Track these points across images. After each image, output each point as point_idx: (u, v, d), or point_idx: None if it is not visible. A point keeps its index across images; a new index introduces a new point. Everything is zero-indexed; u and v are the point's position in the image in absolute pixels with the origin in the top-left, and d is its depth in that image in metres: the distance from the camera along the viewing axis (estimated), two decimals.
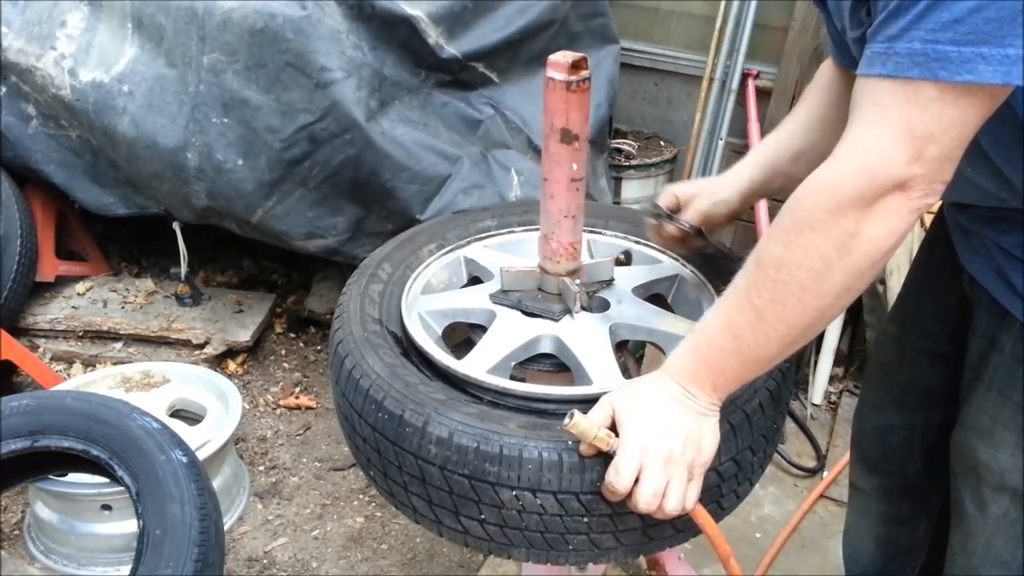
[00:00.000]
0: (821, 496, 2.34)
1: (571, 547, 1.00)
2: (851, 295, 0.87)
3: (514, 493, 0.96)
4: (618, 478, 0.91)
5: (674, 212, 1.32)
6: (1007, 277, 1.01)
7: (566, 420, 0.91)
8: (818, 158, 1.27)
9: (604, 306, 1.26)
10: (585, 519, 0.97)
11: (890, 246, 0.83)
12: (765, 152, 1.30)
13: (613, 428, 0.95)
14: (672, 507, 0.92)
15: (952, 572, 1.16)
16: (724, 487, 1.03)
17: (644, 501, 0.91)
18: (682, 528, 1.03)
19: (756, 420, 1.05)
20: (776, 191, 1.32)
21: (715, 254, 1.37)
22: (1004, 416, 1.04)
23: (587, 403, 1.05)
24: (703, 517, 0.96)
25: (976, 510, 1.10)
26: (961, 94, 0.75)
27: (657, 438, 0.92)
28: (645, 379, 0.98)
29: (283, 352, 2.87)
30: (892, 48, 0.77)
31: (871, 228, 0.81)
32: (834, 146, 1.27)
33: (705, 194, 1.31)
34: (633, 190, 3.02)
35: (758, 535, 2.22)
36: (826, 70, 1.27)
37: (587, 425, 0.92)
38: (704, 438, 0.94)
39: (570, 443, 0.96)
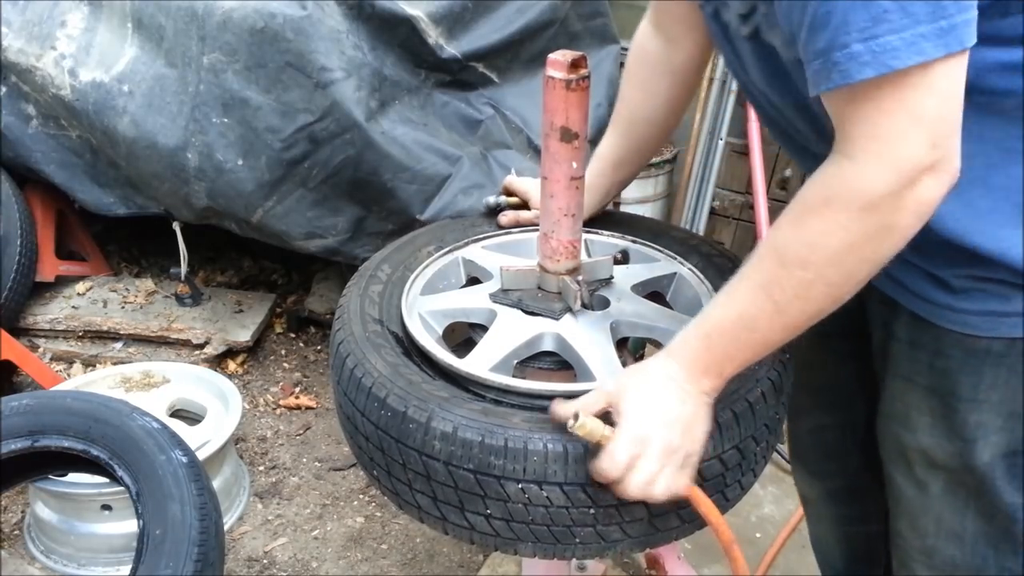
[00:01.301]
0: None
1: (578, 540, 1.00)
2: (870, 278, 0.89)
3: (520, 486, 0.96)
4: (613, 464, 0.92)
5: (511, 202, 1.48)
6: (885, 268, 1.03)
7: (570, 422, 0.91)
8: (635, 152, 1.37)
9: (604, 304, 1.26)
10: (591, 510, 0.98)
11: (915, 230, 0.85)
12: (593, 175, 1.38)
13: (608, 416, 0.95)
14: (660, 492, 0.93)
15: (909, 558, 1.16)
16: (728, 476, 1.04)
17: (637, 487, 0.92)
18: (688, 519, 1.03)
19: (759, 409, 1.05)
20: (613, 198, 1.46)
21: None
22: (914, 400, 1.07)
23: None
24: (704, 504, 0.96)
25: (917, 492, 1.11)
26: (936, 67, 0.77)
27: (659, 427, 0.93)
28: (649, 365, 0.98)
29: (283, 352, 2.87)
30: (831, 58, 0.78)
31: (905, 218, 0.83)
32: (653, 135, 1.36)
33: (533, 207, 1.42)
34: (632, 190, 3.02)
35: (758, 535, 2.22)
36: (642, 40, 1.30)
37: (593, 425, 0.92)
38: (699, 426, 0.95)
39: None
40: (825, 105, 0.85)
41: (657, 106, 1.31)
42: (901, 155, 0.80)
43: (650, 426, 0.92)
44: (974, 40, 0.77)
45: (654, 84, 1.28)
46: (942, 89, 0.78)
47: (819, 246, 0.86)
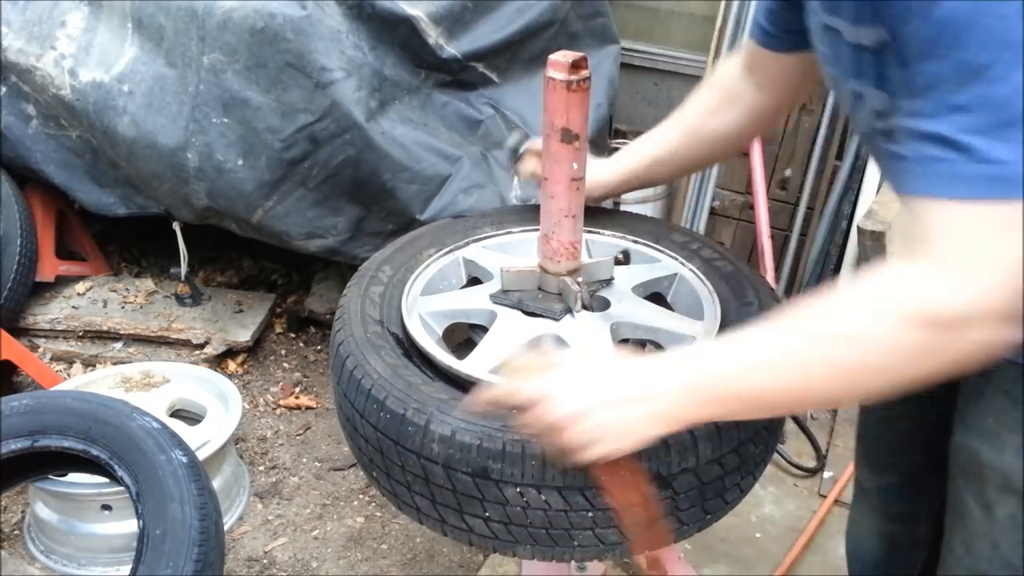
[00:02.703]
0: (836, 501, 2.32)
1: (576, 543, 1.00)
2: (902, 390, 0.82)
3: (518, 490, 0.96)
4: (560, 395, 0.85)
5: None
6: None
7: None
8: (679, 160, 1.39)
9: (604, 305, 1.26)
10: (590, 514, 0.97)
11: (973, 364, 0.77)
12: (626, 159, 1.40)
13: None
14: (602, 448, 0.85)
15: (954, 574, 1.14)
16: (727, 480, 1.04)
17: (578, 431, 0.84)
18: (687, 521, 1.03)
19: None
20: (632, 189, 1.48)
21: None
22: (1011, 419, 1.02)
23: None
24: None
25: (982, 512, 1.07)
26: None
27: (602, 380, 0.86)
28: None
29: (283, 352, 2.87)
30: (932, 152, 0.71)
31: (955, 354, 0.75)
32: (703, 157, 1.40)
33: None
34: None
35: (758, 535, 2.22)
36: (733, 76, 1.30)
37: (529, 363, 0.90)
38: (629, 424, 0.85)
39: None
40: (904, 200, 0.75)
41: (727, 135, 1.32)
42: (976, 298, 0.71)
43: (592, 375, 0.87)
44: None
45: (732, 115, 1.30)
46: None
47: (854, 339, 0.78)
